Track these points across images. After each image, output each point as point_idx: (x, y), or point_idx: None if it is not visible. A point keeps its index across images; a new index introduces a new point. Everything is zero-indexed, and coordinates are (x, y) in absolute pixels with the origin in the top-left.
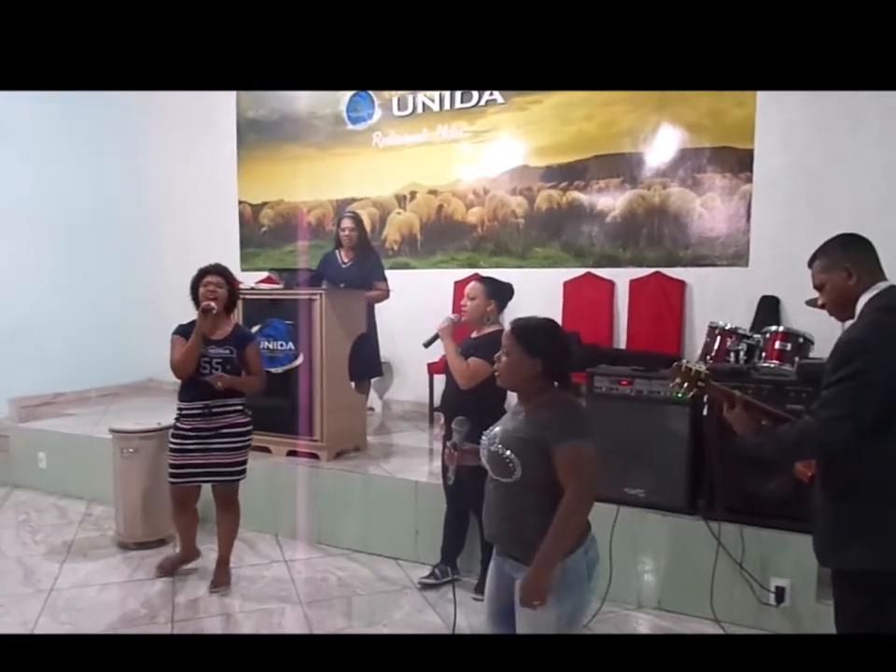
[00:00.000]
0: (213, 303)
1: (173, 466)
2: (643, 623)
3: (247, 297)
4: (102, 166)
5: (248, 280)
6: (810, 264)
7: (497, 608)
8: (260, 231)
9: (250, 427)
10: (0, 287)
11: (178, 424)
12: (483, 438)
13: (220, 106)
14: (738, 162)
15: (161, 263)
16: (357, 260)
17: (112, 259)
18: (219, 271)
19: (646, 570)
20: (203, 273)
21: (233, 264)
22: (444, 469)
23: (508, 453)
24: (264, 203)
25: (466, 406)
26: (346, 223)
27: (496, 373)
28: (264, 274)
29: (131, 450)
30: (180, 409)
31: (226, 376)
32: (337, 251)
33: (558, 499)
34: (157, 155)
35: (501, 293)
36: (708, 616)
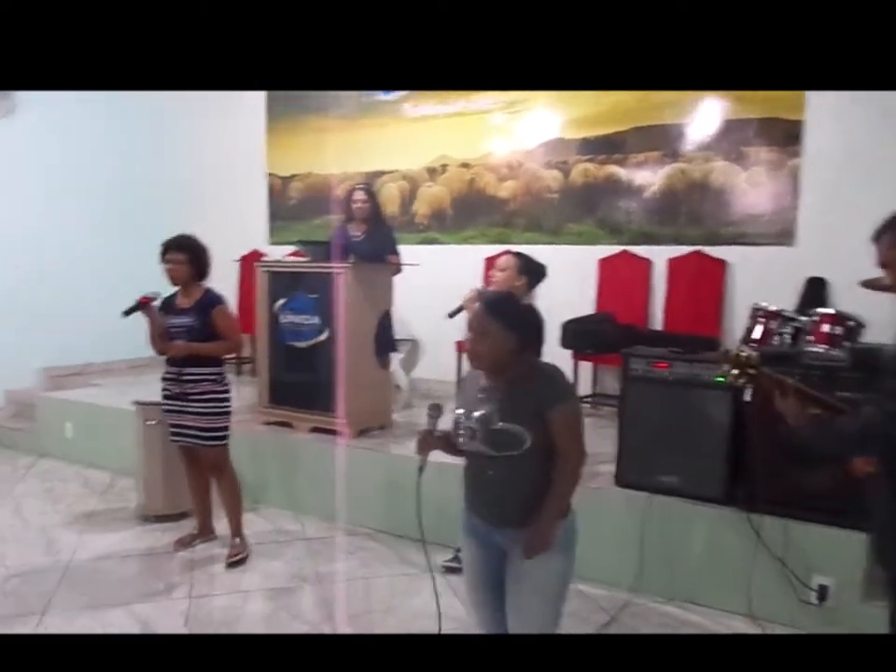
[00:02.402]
0: (150, 294)
1: (168, 425)
2: (673, 618)
3: (273, 270)
4: (133, 139)
5: (277, 254)
6: (877, 238)
7: (485, 580)
8: (289, 204)
9: (225, 396)
10: (33, 258)
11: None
12: (466, 422)
13: None
14: (786, 135)
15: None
16: (368, 234)
17: (143, 231)
18: (177, 245)
19: (678, 562)
20: (164, 249)
21: (262, 238)
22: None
23: (513, 426)
24: (293, 176)
25: None
26: (358, 195)
27: (468, 353)
28: (293, 248)
29: (152, 421)
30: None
31: (181, 344)
32: (349, 224)
33: (553, 461)
34: (188, 126)
35: (534, 272)
36: (745, 612)
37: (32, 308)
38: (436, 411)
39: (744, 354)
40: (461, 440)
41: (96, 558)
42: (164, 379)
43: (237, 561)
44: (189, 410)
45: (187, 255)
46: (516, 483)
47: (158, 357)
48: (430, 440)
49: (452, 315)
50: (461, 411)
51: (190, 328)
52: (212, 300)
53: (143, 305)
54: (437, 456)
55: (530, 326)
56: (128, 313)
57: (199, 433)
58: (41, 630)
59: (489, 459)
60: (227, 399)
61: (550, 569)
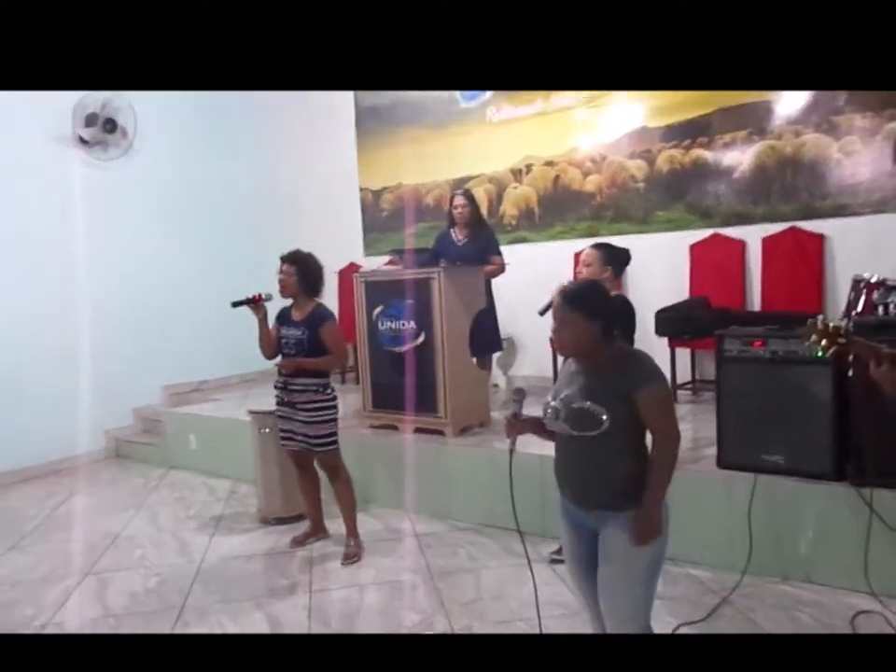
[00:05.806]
0: (262, 295)
1: (279, 430)
2: (789, 597)
3: (369, 280)
4: (234, 162)
5: (372, 265)
6: None
7: (584, 563)
8: (381, 215)
9: (331, 404)
10: (152, 282)
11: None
12: (552, 403)
13: (340, 96)
14: (881, 99)
15: None
16: (471, 237)
17: (248, 250)
18: (289, 258)
19: (790, 541)
20: (280, 261)
21: (357, 251)
22: None
23: (593, 406)
24: (384, 188)
25: None
26: (459, 200)
27: (554, 343)
28: (388, 258)
29: (266, 430)
30: None
31: (289, 361)
32: (451, 229)
33: (640, 443)
34: (283, 149)
35: (618, 259)
36: (864, 589)
37: (153, 329)
38: (519, 394)
39: (831, 324)
40: (546, 420)
41: (225, 558)
42: (276, 387)
43: (351, 560)
44: (297, 418)
45: (296, 268)
46: (596, 465)
47: (267, 372)
48: (516, 422)
49: (542, 313)
50: (551, 394)
51: (300, 340)
52: (322, 315)
53: (252, 302)
54: (541, 448)
55: (613, 312)
56: (236, 304)
57: (307, 439)
58: (180, 623)
59: (572, 440)
60: (331, 408)
61: (641, 554)
